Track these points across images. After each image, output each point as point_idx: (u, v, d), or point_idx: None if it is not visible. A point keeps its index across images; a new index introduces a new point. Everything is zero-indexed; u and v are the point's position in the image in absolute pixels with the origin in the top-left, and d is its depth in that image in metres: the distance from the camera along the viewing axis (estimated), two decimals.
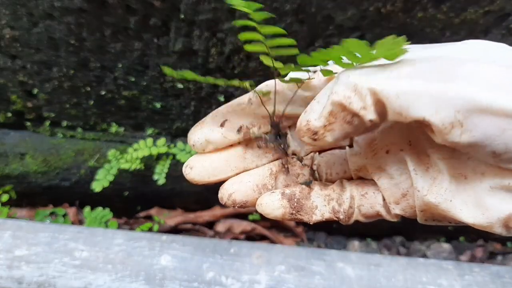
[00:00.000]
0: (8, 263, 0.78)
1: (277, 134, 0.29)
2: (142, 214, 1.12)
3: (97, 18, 0.79)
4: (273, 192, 0.29)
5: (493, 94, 0.18)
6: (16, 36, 0.83)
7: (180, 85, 0.90)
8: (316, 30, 0.77)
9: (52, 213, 1.08)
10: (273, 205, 0.27)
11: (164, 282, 0.75)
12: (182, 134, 1.02)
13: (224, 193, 0.29)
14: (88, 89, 0.93)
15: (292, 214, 0.27)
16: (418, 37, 0.77)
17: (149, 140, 0.97)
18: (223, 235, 1.06)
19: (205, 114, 0.31)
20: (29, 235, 0.82)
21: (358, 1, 0.72)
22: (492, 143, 0.19)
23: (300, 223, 1.12)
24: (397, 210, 0.26)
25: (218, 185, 0.31)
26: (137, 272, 0.77)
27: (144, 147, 0.96)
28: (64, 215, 1.07)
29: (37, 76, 0.91)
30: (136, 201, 1.10)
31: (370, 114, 0.21)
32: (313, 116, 0.23)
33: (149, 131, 1.01)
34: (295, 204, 0.27)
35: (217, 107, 0.30)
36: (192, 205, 1.10)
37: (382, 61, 0.22)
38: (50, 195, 1.08)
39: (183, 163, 1.09)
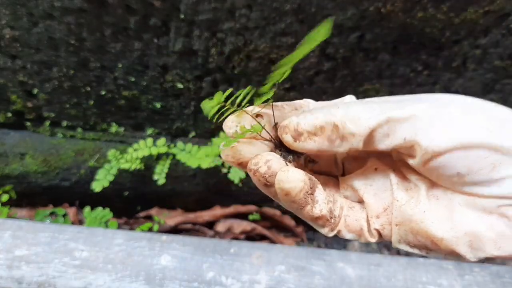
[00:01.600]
0: (8, 263, 0.78)
1: (287, 151, 0.30)
2: (142, 214, 1.12)
3: (97, 18, 0.79)
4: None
5: (454, 133, 0.23)
6: (16, 36, 0.84)
7: (180, 85, 0.90)
8: None
9: (52, 213, 1.08)
10: (299, 175, 0.27)
11: (164, 282, 0.75)
12: (182, 134, 1.02)
13: (261, 159, 0.28)
14: (88, 89, 0.93)
15: (307, 192, 0.27)
16: (418, 37, 0.77)
17: (149, 140, 0.97)
18: (223, 235, 1.06)
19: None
20: (29, 235, 0.82)
21: (358, 1, 0.73)
22: (456, 164, 0.23)
23: (299, 223, 1.12)
24: (377, 224, 0.28)
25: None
26: (137, 272, 0.77)
27: (144, 147, 0.96)
28: (64, 215, 1.07)
29: (37, 76, 0.91)
30: (136, 201, 1.10)
31: (356, 142, 0.25)
32: (304, 121, 0.27)
33: (149, 131, 1.01)
34: (311, 185, 0.28)
35: None
36: (192, 205, 1.10)
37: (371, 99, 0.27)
38: (50, 195, 1.08)
39: (183, 163, 1.09)
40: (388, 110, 0.24)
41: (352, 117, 0.25)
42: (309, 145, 0.27)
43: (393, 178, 0.28)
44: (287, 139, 0.28)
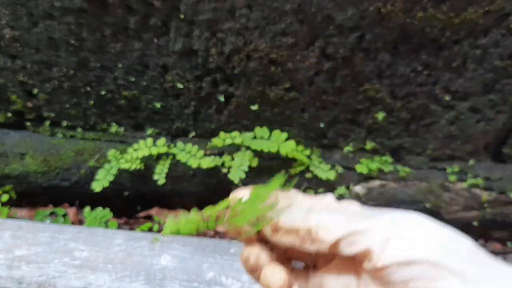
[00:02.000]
0: (8, 263, 0.78)
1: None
2: (142, 214, 1.12)
3: (97, 18, 0.79)
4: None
5: (405, 250, 0.28)
6: (16, 36, 0.84)
7: (180, 85, 0.90)
8: (316, 30, 0.77)
9: (52, 213, 1.08)
10: (281, 275, 0.32)
11: (164, 282, 0.75)
12: (182, 134, 1.02)
13: (252, 251, 0.34)
14: (88, 89, 0.93)
15: None
16: (418, 37, 0.77)
17: (149, 140, 0.97)
18: (223, 235, 1.06)
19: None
20: (29, 235, 0.82)
21: (358, 1, 0.73)
22: (401, 274, 0.28)
23: None
24: None
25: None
26: (137, 272, 0.77)
27: (144, 147, 0.96)
28: (64, 215, 1.08)
29: (37, 76, 0.91)
30: (136, 201, 1.10)
31: (324, 246, 0.30)
32: (283, 220, 0.32)
33: (149, 131, 1.01)
34: (290, 283, 0.33)
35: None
36: (192, 205, 1.10)
37: (347, 209, 0.33)
38: (50, 195, 1.08)
39: (183, 163, 1.08)
40: (354, 223, 0.30)
41: (324, 226, 0.31)
42: (283, 240, 0.32)
43: (352, 280, 0.33)
44: (266, 231, 0.33)
